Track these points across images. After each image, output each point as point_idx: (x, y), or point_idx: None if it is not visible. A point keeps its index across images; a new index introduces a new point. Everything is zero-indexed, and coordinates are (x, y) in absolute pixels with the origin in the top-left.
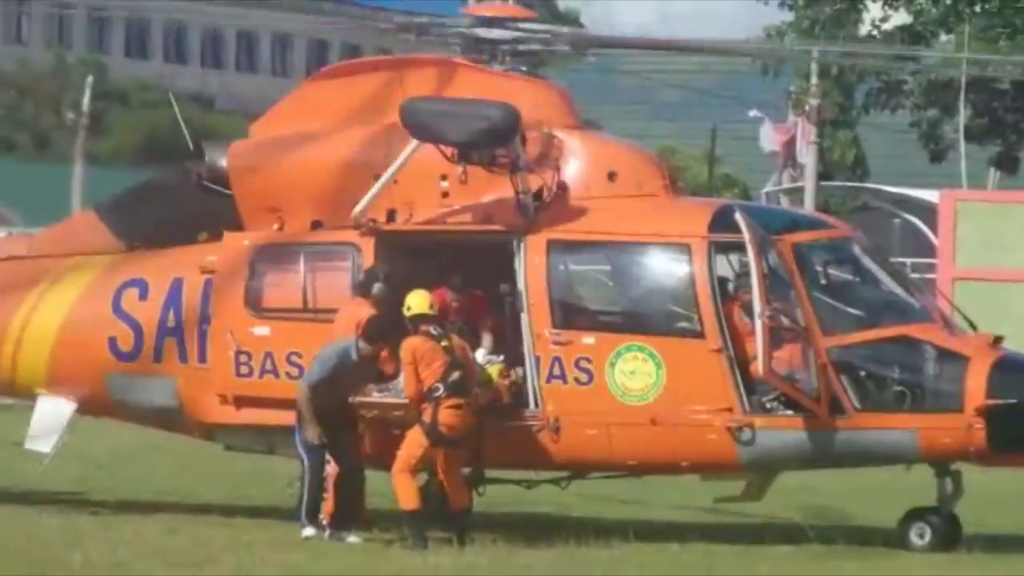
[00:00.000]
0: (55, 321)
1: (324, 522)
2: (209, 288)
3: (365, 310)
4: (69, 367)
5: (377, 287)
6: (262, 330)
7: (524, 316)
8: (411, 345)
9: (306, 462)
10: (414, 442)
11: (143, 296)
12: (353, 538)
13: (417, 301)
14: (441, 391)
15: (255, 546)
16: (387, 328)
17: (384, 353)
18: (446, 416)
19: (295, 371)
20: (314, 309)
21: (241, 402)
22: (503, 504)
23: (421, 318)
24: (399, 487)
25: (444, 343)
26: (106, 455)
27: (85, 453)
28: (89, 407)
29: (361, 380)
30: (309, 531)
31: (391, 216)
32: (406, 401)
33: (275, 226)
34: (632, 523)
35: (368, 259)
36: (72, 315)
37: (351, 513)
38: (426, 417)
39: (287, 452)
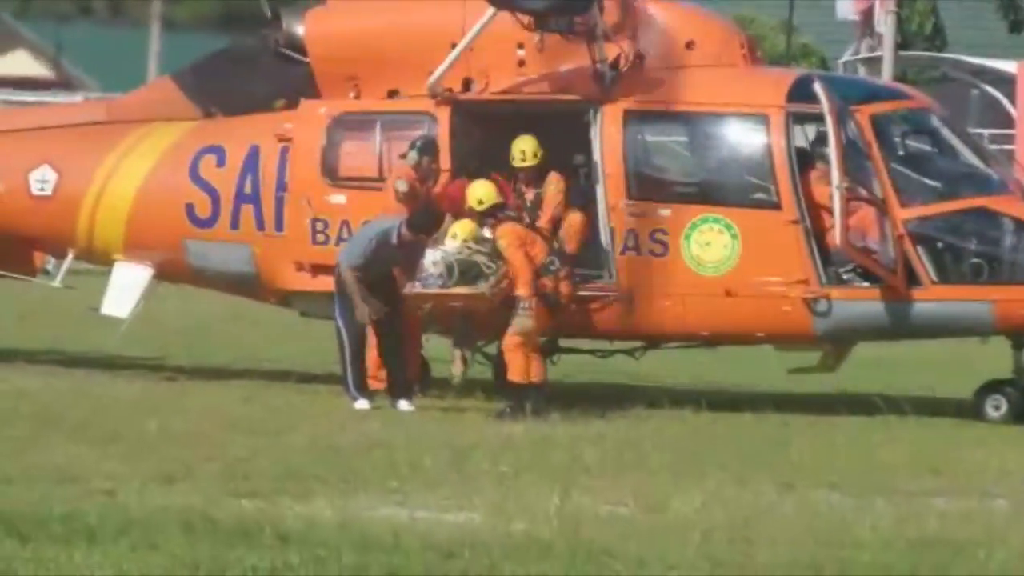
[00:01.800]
0: (132, 187)
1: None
2: (286, 156)
3: (400, 172)
4: (146, 233)
5: (411, 155)
6: (338, 198)
7: (599, 187)
8: (513, 230)
9: (345, 337)
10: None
11: (220, 163)
12: (406, 406)
13: (488, 193)
14: (557, 264)
15: (332, 414)
16: (431, 220)
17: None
18: (566, 286)
19: None
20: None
21: (317, 269)
22: (577, 374)
23: (498, 207)
24: (517, 359)
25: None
26: (184, 323)
27: (163, 320)
28: (166, 273)
29: (403, 260)
30: (362, 403)
31: (467, 85)
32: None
33: (352, 94)
34: (705, 393)
35: (444, 128)
36: (149, 181)
37: (402, 382)
38: (547, 289)
39: None
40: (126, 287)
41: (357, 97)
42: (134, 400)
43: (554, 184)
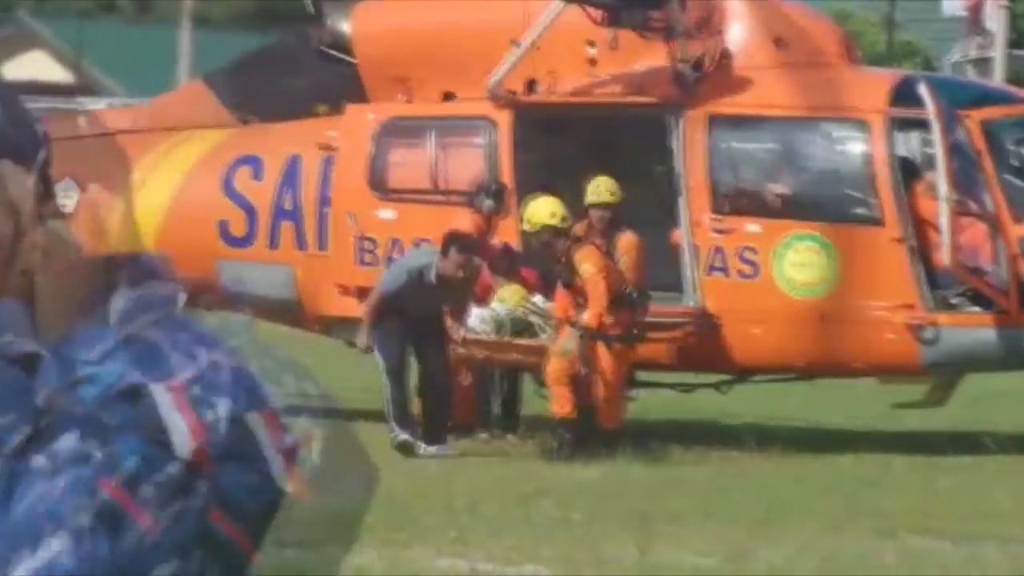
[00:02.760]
0: (161, 202)
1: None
2: (329, 167)
3: (461, 221)
4: (176, 253)
5: (487, 203)
6: (387, 213)
7: (681, 200)
8: (598, 254)
9: (383, 367)
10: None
11: (257, 175)
12: (432, 450)
13: (560, 210)
14: (635, 296)
15: (383, 454)
16: (510, 261)
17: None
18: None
19: None
20: (445, 190)
21: (364, 293)
22: (657, 411)
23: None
24: (562, 391)
25: None
26: None
27: None
28: (197, 297)
29: (442, 298)
30: (403, 436)
31: (531, 87)
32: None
33: (402, 98)
34: (797, 431)
35: (505, 134)
36: (179, 196)
37: (436, 427)
38: (624, 323)
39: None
40: None
41: (408, 101)
42: None
43: (627, 252)
